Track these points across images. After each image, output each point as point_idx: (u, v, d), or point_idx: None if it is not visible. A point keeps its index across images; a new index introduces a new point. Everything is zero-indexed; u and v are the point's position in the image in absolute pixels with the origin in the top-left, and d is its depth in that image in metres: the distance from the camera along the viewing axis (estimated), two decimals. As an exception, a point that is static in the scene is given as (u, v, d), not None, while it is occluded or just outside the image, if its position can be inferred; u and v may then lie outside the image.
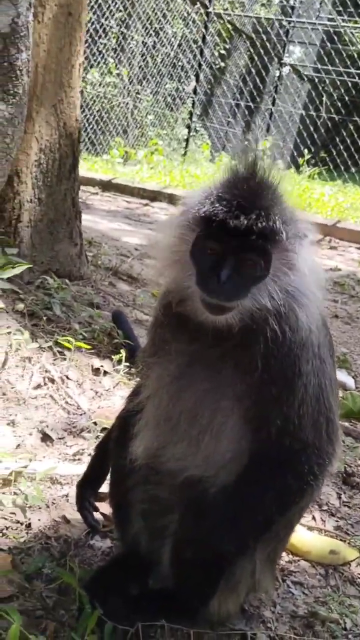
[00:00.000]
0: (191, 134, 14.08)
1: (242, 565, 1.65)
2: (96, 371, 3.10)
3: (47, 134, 3.90)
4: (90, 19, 11.67)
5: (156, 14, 12.81)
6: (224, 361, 1.54)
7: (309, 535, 2.25)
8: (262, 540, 1.62)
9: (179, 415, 1.62)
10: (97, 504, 2.08)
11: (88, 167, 11.29)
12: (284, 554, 2.18)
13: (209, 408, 1.57)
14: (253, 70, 14.24)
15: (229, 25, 14.01)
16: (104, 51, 12.08)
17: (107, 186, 9.99)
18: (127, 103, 12.84)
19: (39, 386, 2.86)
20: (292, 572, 2.11)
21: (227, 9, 14.75)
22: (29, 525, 2.04)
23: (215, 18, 13.63)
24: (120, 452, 1.79)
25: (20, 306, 3.38)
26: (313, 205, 10.05)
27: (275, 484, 1.58)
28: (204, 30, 13.27)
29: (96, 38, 11.80)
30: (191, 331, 1.55)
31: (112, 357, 3.19)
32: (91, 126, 12.36)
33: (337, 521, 2.43)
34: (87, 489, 2.00)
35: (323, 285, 1.57)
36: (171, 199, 9.54)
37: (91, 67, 12.04)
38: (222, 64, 14.85)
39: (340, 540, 2.30)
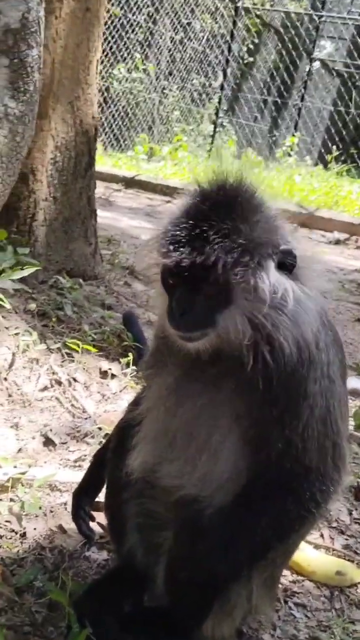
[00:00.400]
0: (217, 129, 13.96)
1: (238, 590, 1.58)
2: (104, 374, 3.04)
3: (63, 132, 3.85)
4: (117, 14, 11.64)
5: (184, 9, 12.71)
6: (222, 379, 1.46)
7: (315, 554, 2.16)
8: (258, 566, 1.54)
9: (175, 432, 1.55)
10: (95, 513, 2.02)
11: (112, 163, 11.27)
12: (287, 572, 2.10)
13: (206, 426, 1.50)
14: (281, 66, 14.06)
15: (257, 20, 13.85)
16: (130, 46, 12.02)
17: (130, 183, 9.95)
18: (153, 99, 12.77)
19: (45, 388, 2.81)
20: (295, 593, 2.03)
21: (256, 4, 14.59)
22: (23, 535, 1.99)
23: (243, 13, 13.48)
24: (117, 462, 1.73)
25: (32, 306, 3.33)
26: (340, 203, 9.90)
27: (274, 510, 1.49)
28: (231, 25, 13.13)
29: (123, 33, 11.74)
30: None
31: (121, 360, 3.13)
32: (116, 122, 12.32)
33: (346, 539, 2.33)
34: (83, 497, 1.94)
35: (319, 301, 1.49)
36: (194, 196, 9.45)
37: (117, 62, 12.00)
38: (251, 59, 14.70)
39: (349, 560, 2.20)
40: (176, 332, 1.42)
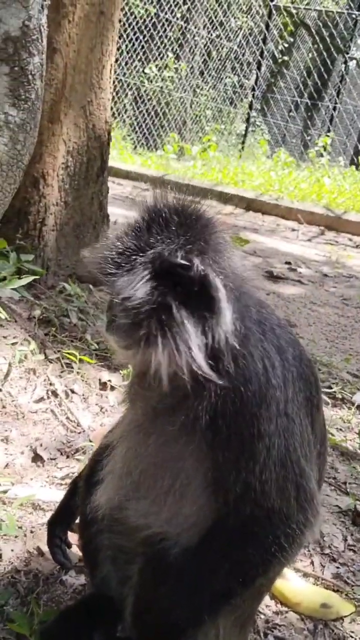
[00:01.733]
0: (250, 129, 13.84)
1: (205, 630, 1.51)
2: (104, 385, 2.99)
3: (75, 136, 3.82)
4: (152, 11, 11.60)
5: (215, 10, 12.59)
6: (176, 414, 1.39)
7: (301, 584, 2.09)
8: (220, 611, 1.48)
9: (140, 470, 1.50)
10: (74, 535, 1.98)
11: (142, 162, 11.24)
12: (271, 603, 2.03)
13: (172, 466, 1.44)
14: (311, 65, 13.85)
15: (290, 19, 13.66)
16: (161, 46, 11.96)
17: (157, 183, 9.90)
18: (182, 98, 12.69)
19: (40, 400, 2.78)
20: (277, 626, 1.95)
21: (294, 2, 14.40)
22: (-1, 556, 1.96)
23: (274, 13, 13.30)
24: (88, 494, 1.69)
25: (37, 312, 3.31)
26: (369, 207, 9.69)
27: (235, 555, 1.42)
28: (263, 25, 12.96)
29: (154, 33, 11.69)
30: None
31: (122, 371, 3.08)
32: (146, 122, 12.28)
33: (337, 567, 2.24)
34: (57, 526, 1.89)
35: (279, 335, 1.43)
36: (221, 197, 9.39)
37: (149, 61, 11.95)
38: (285, 58, 14.52)
39: (337, 590, 2.12)
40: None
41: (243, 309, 1.38)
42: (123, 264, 1.33)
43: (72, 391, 2.88)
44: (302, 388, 1.44)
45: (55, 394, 2.82)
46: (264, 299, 1.55)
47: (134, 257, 1.33)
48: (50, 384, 2.85)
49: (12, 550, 1.99)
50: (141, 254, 1.33)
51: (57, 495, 2.22)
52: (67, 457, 2.49)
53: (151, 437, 1.46)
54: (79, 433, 2.64)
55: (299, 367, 1.45)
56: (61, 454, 2.50)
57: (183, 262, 1.29)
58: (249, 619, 1.66)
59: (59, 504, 1.92)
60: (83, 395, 2.91)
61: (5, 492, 2.14)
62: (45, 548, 2.01)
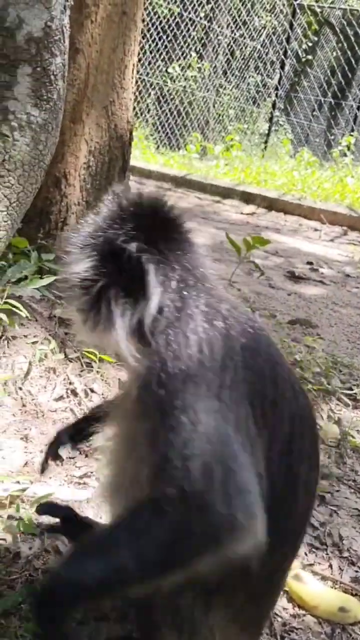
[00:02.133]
0: (273, 128, 13.78)
1: (191, 629, 1.49)
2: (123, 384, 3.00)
3: (97, 136, 3.83)
4: (176, 11, 11.61)
5: (239, 9, 12.56)
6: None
7: (319, 588, 2.07)
8: (116, 587, 1.33)
9: (116, 462, 1.60)
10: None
11: (164, 162, 11.26)
12: (289, 606, 2.02)
13: (134, 456, 1.47)
14: (335, 64, 13.75)
15: (314, 18, 13.58)
16: (184, 45, 11.96)
17: (180, 182, 9.92)
18: (205, 97, 12.68)
19: (60, 398, 2.80)
20: (294, 629, 1.94)
21: (318, 1, 14.31)
22: (17, 554, 1.97)
23: (298, 11, 13.22)
24: None
25: (58, 311, 3.33)
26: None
27: (136, 530, 1.29)
28: (287, 24, 12.90)
29: (177, 32, 11.69)
30: None
31: (141, 371, 3.08)
32: (168, 121, 12.29)
33: (356, 571, 2.22)
34: (64, 435, 1.98)
35: (230, 321, 1.44)
36: (243, 197, 9.37)
37: (172, 61, 11.96)
38: (309, 57, 14.44)
39: (356, 594, 2.10)
40: None
41: (188, 299, 1.44)
42: (78, 244, 1.50)
43: (92, 390, 2.89)
44: (247, 379, 1.38)
45: (74, 393, 2.83)
46: (228, 294, 1.64)
47: (88, 239, 1.50)
48: (70, 383, 2.87)
49: (29, 548, 2.00)
50: (94, 237, 1.49)
51: (75, 494, 2.24)
52: (86, 456, 2.50)
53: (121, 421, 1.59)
54: (98, 433, 2.65)
55: (250, 359, 1.40)
56: (80, 453, 2.51)
57: (122, 245, 1.43)
58: (252, 623, 1.61)
59: (75, 420, 2.06)
60: (102, 394, 2.91)
61: (23, 490, 2.15)
62: (63, 547, 2.02)
